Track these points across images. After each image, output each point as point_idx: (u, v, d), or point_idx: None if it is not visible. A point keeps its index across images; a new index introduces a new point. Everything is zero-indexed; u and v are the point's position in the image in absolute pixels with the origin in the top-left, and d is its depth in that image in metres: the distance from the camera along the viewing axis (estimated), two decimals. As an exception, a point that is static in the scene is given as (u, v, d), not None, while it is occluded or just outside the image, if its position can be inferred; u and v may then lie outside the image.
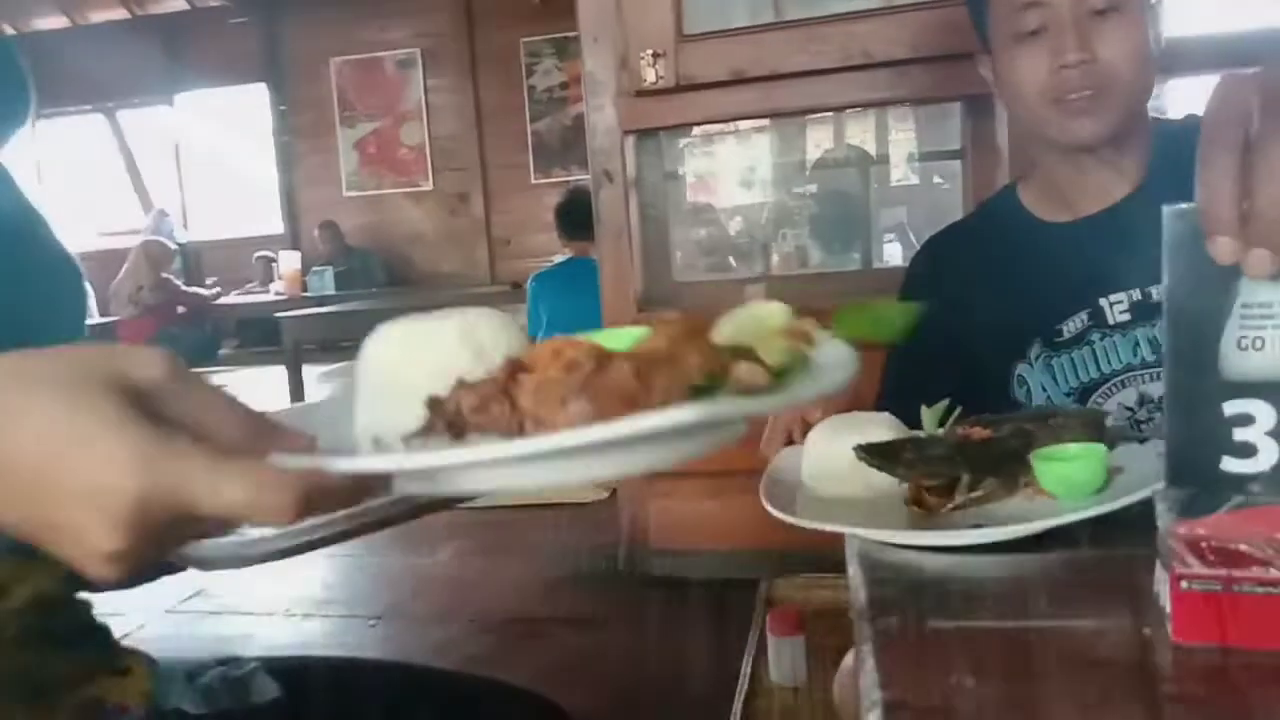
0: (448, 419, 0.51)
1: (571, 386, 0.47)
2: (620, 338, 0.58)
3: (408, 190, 8.97)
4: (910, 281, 1.41)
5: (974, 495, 0.89)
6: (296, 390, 4.79)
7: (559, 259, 4.33)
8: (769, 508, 0.92)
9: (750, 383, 0.51)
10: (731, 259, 3.34)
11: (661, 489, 2.57)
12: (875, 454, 0.89)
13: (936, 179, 3.35)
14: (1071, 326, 1.26)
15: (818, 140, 3.60)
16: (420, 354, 0.57)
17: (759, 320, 0.59)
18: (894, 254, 3.45)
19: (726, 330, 0.60)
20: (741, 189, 3.48)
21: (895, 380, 1.27)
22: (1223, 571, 0.62)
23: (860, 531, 0.86)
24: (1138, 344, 1.23)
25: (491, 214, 8.86)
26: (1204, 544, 0.63)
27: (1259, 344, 0.64)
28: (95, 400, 0.43)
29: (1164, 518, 0.66)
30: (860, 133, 3.80)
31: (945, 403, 0.98)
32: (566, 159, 8.21)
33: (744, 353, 0.52)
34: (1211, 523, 0.63)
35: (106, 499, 0.42)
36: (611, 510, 2.88)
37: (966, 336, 1.19)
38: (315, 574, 3.21)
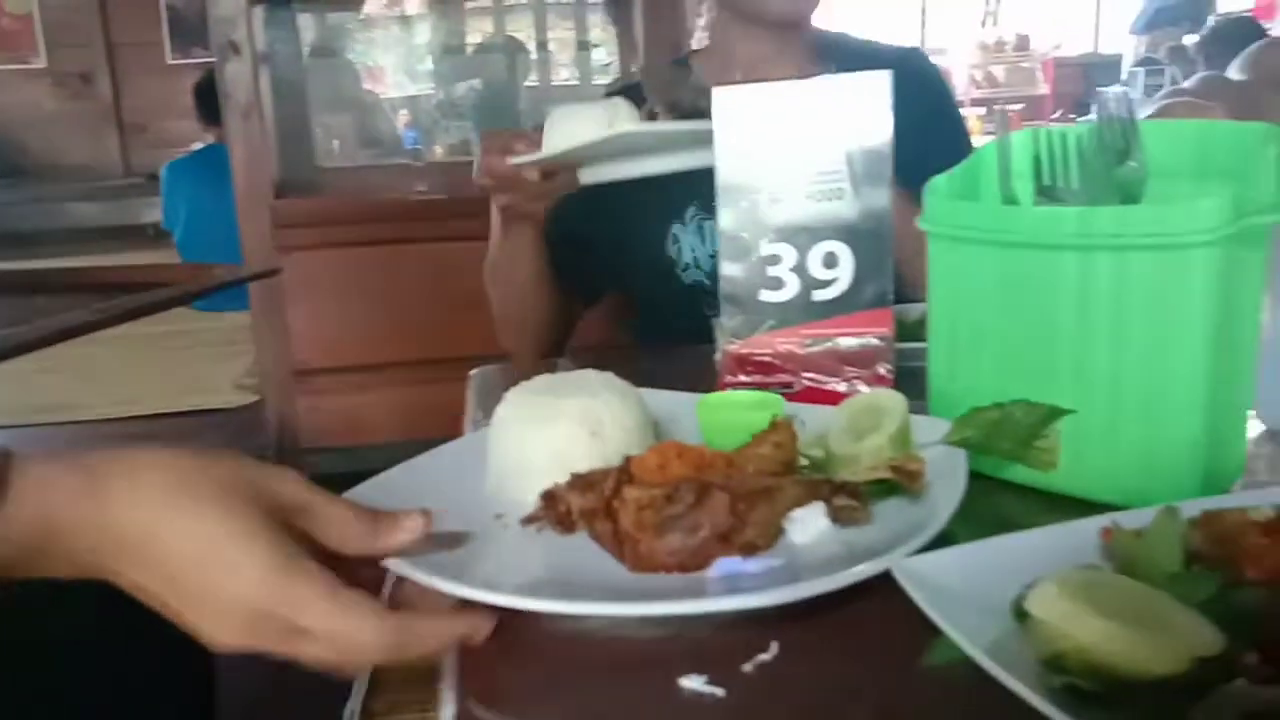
0: (557, 516, 0.57)
1: (670, 517, 0.52)
2: (728, 416, 0.67)
3: (16, 68, 7.69)
4: None
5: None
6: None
7: (198, 146, 3.96)
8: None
9: (847, 516, 0.55)
10: (392, 146, 3.20)
11: (309, 386, 2.47)
12: None
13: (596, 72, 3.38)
14: None
15: (478, 29, 3.50)
16: (542, 433, 0.63)
17: (877, 412, 0.62)
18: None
19: (844, 417, 0.64)
20: (401, 76, 3.34)
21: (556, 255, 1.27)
22: (758, 378, 0.78)
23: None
24: None
25: (122, 97, 7.82)
26: (746, 359, 0.79)
27: (783, 198, 0.72)
28: (237, 507, 0.47)
29: (719, 340, 0.80)
30: (523, 25, 3.73)
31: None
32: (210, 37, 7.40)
33: (840, 487, 0.56)
34: (753, 341, 0.79)
35: (223, 605, 0.46)
36: (259, 413, 2.73)
37: (630, 199, 1.22)
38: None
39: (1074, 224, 0.56)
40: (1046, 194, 0.65)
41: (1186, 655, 0.39)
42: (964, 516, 0.54)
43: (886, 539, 0.52)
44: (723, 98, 0.77)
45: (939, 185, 0.66)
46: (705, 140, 0.79)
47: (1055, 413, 0.59)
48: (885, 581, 0.47)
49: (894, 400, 0.62)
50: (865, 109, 0.74)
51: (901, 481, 0.56)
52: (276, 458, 2.60)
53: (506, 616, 0.49)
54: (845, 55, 1.28)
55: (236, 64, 2.34)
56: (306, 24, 2.74)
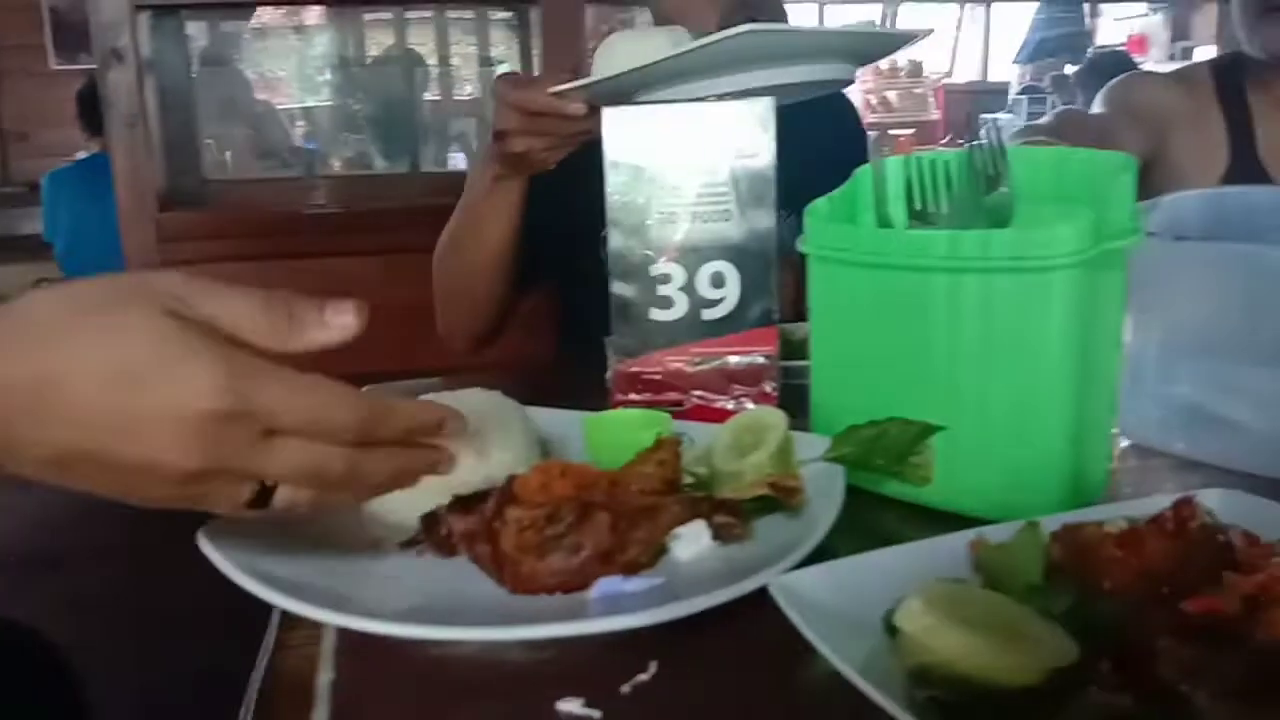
0: (436, 540, 0.56)
1: (551, 537, 0.51)
2: (615, 436, 0.66)
3: (-119, 68, 7.26)
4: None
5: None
6: None
7: (82, 155, 3.80)
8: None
9: (728, 533, 0.55)
10: (287, 159, 3.12)
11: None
12: None
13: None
14: None
15: (376, 41, 3.45)
16: None
17: (759, 429, 0.62)
18: (459, 161, 3.44)
19: (728, 435, 0.64)
20: (298, 87, 3.26)
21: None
22: (648, 396, 0.79)
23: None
24: None
25: (1, 103, 7.46)
26: (637, 377, 0.79)
27: (672, 219, 0.72)
28: (153, 314, 0.41)
29: (611, 359, 0.81)
30: (425, 39, 3.69)
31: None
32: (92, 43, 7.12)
33: (721, 504, 0.57)
34: (643, 360, 0.79)
35: (176, 425, 0.41)
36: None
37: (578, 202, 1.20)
38: None
39: (943, 247, 0.58)
40: (919, 218, 0.68)
41: (1043, 666, 0.40)
42: (843, 531, 0.56)
43: (766, 555, 0.53)
44: (612, 118, 0.78)
45: (819, 208, 0.68)
46: (794, 50, 0.80)
47: (928, 430, 0.60)
48: (764, 598, 0.48)
49: (776, 418, 0.63)
50: (749, 132, 0.75)
51: (780, 498, 0.57)
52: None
53: (381, 644, 0.48)
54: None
55: (119, 72, 2.25)
56: (197, 32, 2.65)
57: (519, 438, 0.65)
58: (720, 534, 0.55)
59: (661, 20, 1.27)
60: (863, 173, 0.71)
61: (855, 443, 0.62)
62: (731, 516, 0.56)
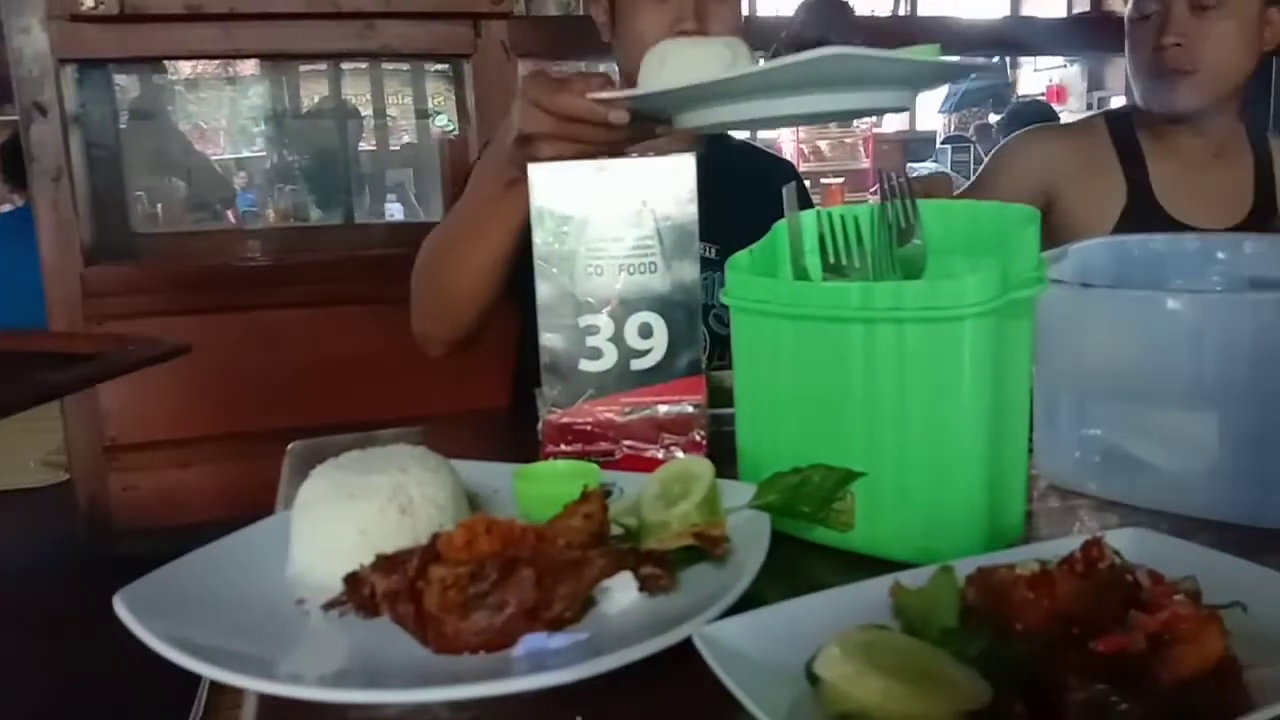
0: (359, 600, 0.55)
1: (475, 595, 0.51)
2: (544, 489, 0.66)
3: None
4: None
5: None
6: None
7: (6, 209, 3.70)
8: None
9: (654, 584, 0.55)
10: (227, 213, 3.08)
11: (122, 463, 2.32)
12: None
13: (433, 139, 3.37)
14: None
15: (311, 93, 3.44)
16: (349, 510, 0.61)
17: (686, 479, 0.63)
18: (396, 212, 3.43)
19: (656, 485, 0.64)
20: (232, 139, 3.23)
21: None
22: (579, 446, 0.79)
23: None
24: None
25: (-79, 155, 7.23)
26: (568, 428, 0.79)
27: (599, 271, 0.73)
28: None
29: (542, 410, 0.81)
30: (358, 89, 3.69)
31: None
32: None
33: (647, 555, 0.57)
34: (573, 411, 0.79)
35: None
36: (68, 493, 2.54)
37: None
38: None
39: (857, 298, 0.60)
40: (834, 270, 0.70)
41: (957, 709, 0.41)
42: (769, 578, 0.56)
43: (692, 605, 0.53)
44: (538, 174, 0.79)
45: (739, 261, 0.69)
46: (856, 77, 0.75)
47: (849, 476, 0.61)
48: (691, 648, 0.48)
49: (703, 467, 0.64)
50: (673, 187, 0.77)
51: (705, 547, 0.58)
52: (87, 542, 2.42)
53: (305, 707, 0.47)
54: (723, 149, 1.34)
55: (43, 125, 2.22)
56: (127, 83, 2.63)
57: (444, 492, 0.65)
58: (646, 585, 0.55)
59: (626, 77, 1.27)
60: (779, 227, 0.73)
61: (779, 490, 0.62)
62: (658, 568, 0.56)
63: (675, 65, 0.84)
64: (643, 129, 0.88)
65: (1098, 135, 1.52)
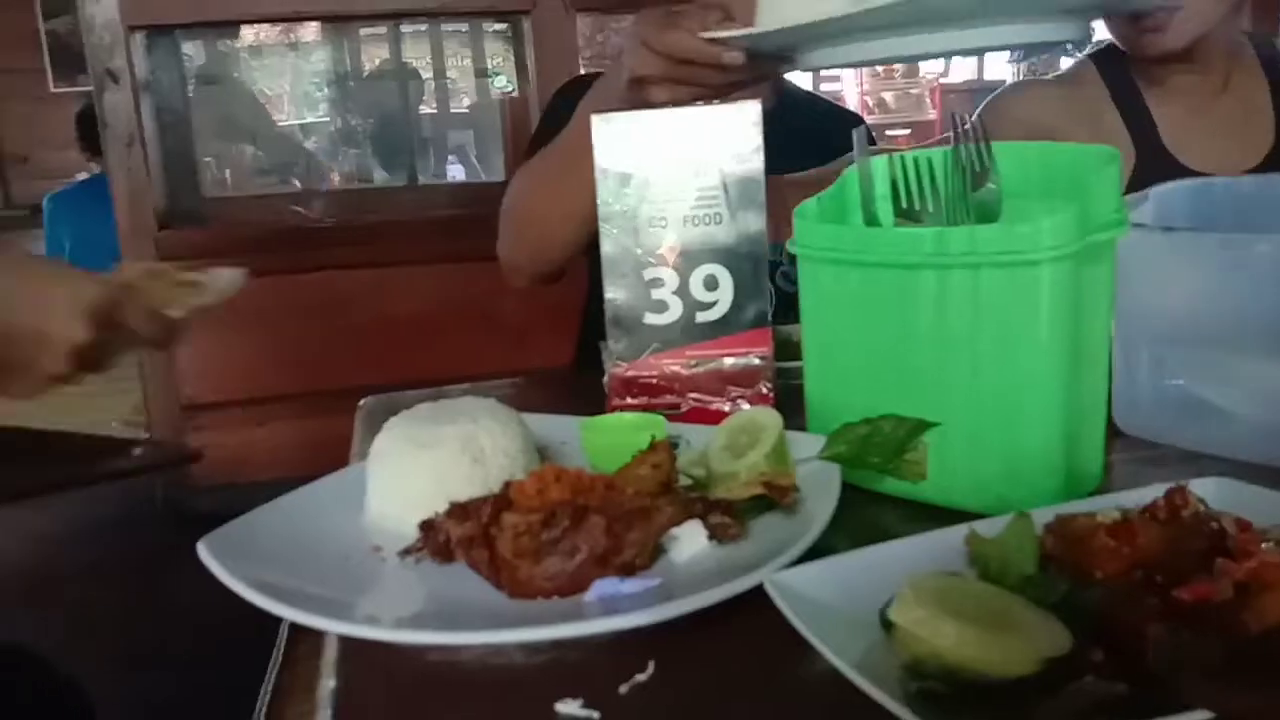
0: (435, 547, 0.56)
1: (547, 542, 0.52)
2: (611, 438, 0.66)
3: (-118, 94, 7.28)
4: None
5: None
6: None
7: (83, 176, 3.82)
8: None
9: (724, 533, 0.55)
10: (293, 177, 3.14)
11: (199, 422, 2.39)
12: None
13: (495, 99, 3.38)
14: None
15: (372, 56, 3.47)
16: (423, 460, 0.62)
17: (754, 429, 0.63)
18: (458, 173, 3.46)
19: (723, 437, 0.64)
20: (295, 104, 3.27)
21: None
22: (644, 400, 0.80)
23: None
24: None
25: (1, 127, 7.48)
26: (633, 382, 0.80)
27: (664, 224, 0.73)
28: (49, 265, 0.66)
29: (607, 364, 0.81)
30: (418, 51, 3.72)
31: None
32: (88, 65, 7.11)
33: (716, 504, 0.57)
34: (639, 364, 0.80)
35: (79, 301, 0.74)
36: (146, 447, 2.63)
37: None
38: None
39: (930, 244, 0.58)
40: (906, 215, 0.68)
41: (1037, 655, 0.40)
42: (840, 529, 0.56)
43: (762, 554, 0.53)
44: (601, 125, 0.78)
45: (807, 209, 0.68)
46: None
47: (921, 426, 0.61)
48: (761, 597, 0.48)
49: (770, 418, 0.63)
50: (738, 136, 0.76)
51: (774, 497, 0.57)
52: (166, 499, 2.51)
53: (383, 650, 0.49)
54: (797, 102, 1.31)
55: (115, 93, 2.27)
56: (193, 51, 2.67)
57: (515, 444, 0.65)
58: (716, 534, 0.56)
59: None
60: (850, 173, 0.71)
61: (849, 441, 0.62)
62: (727, 516, 0.56)
63: (793, 1, 0.74)
64: (762, 69, 0.83)
65: (1091, 85, 1.34)
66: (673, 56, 0.81)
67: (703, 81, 0.83)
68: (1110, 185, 0.61)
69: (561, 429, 0.75)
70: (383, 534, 0.60)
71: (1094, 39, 1.47)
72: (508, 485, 0.57)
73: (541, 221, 1.10)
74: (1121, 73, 1.33)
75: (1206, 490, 0.53)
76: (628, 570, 0.53)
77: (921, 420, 0.61)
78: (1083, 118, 1.32)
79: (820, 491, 0.59)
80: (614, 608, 0.50)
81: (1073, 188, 0.61)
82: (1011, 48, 0.75)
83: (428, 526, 0.57)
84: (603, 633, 0.48)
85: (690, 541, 0.56)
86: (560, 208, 1.06)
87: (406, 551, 0.58)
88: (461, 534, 0.54)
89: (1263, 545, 0.46)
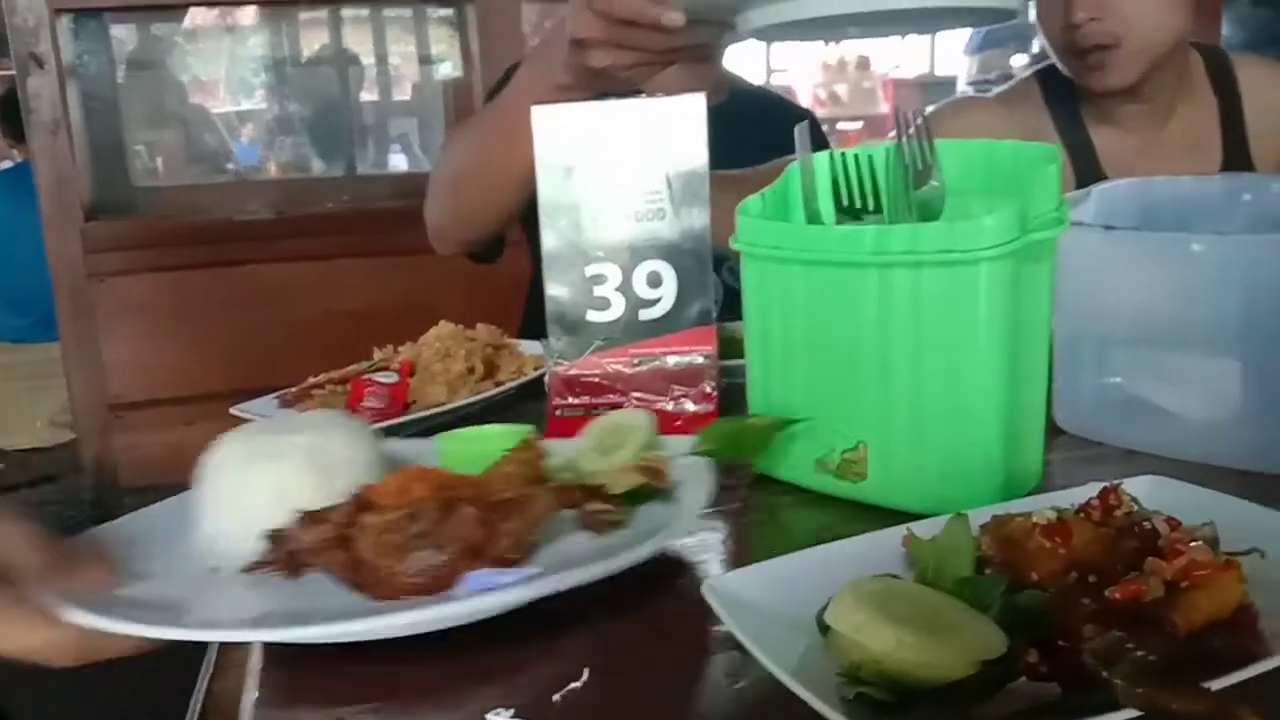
0: (285, 557, 0.50)
1: (415, 536, 0.48)
2: (473, 448, 0.61)
3: None
4: None
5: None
6: None
7: (7, 164, 3.68)
8: None
9: (600, 520, 0.53)
10: (221, 164, 3.05)
11: (127, 421, 2.32)
12: None
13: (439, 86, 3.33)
14: None
15: (311, 42, 3.39)
16: (263, 475, 0.56)
17: (622, 431, 0.61)
18: (400, 163, 3.40)
19: (591, 439, 0.62)
20: (231, 90, 3.19)
21: None
22: (586, 399, 0.78)
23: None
24: None
25: (-80, 111, 7.18)
26: (575, 381, 0.78)
27: (606, 218, 0.72)
28: None
29: (549, 362, 0.80)
30: (359, 37, 3.64)
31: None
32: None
33: (594, 492, 0.54)
34: (581, 363, 0.78)
35: None
36: (74, 452, 2.54)
37: None
38: None
39: (871, 242, 0.58)
40: (848, 213, 0.68)
41: (972, 658, 0.40)
42: (780, 530, 0.55)
43: (644, 536, 0.52)
44: (541, 117, 0.76)
45: (750, 206, 0.67)
46: None
47: (783, 423, 0.63)
48: (699, 603, 0.47)
49: (639, 418, 0.63)
50: (682, 130, 0.75)
51: (651, 480, 0.56)
52: (94, 499, 2.43)
53: (300, 659, 0.47)
54: (746, 97, 1.31)
55: (40, 78, 2.19)
56: (124, 35, 2.59)
57: (366, 455, 0.60)
58: (594, 523, 0.54)
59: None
60: (792, 170, 0.70)
61: (715, 438, 0.62)
62: (606, 503, 0.54)
63: None
64: (704, 35, 0.81)
65: (1033, 109, 1.29)
66: (613, 17, 0.79)
67: (643, 45, 0.81)
68: (1051, 184, 0.61)
69: (414, 448, 0.69)
70: (217, 556, 0.55)
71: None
72: (364, 489, 0.53)
73: (477, 184, 1.06)
74: (1067, 97, 1.28)
75: (1141, 489, 0.53)
76: (502, 564, 0.50)
77: (784, 419, 0.63)
78: (1022, 139, 1.29)
79: (695, 481, 0.58)
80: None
81: (1013, 186, 0.61)
82: (950, 12, 0.75)
83: (275, 536, 0.52)
84: (483, 616, 0.47)
85: (570, 536, 0.54)
86: (496, 171, 1.01)
87: (252, 567, 0.52)
88: (316, 539, 0.50)
89: (1192, 544, 0.46)
